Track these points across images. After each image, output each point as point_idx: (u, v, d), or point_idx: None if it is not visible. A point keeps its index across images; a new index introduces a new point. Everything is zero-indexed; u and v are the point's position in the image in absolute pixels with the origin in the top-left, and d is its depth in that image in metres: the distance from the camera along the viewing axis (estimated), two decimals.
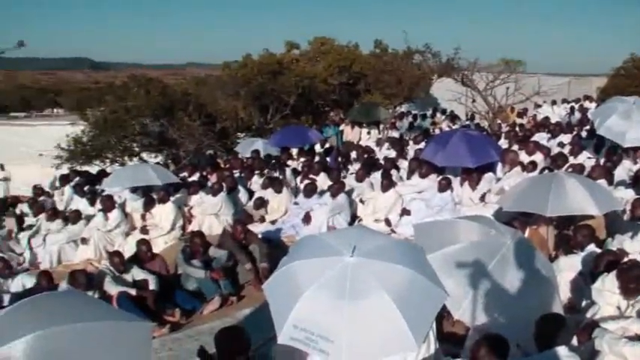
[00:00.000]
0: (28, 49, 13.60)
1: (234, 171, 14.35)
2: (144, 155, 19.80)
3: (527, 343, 5.09)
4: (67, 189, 15.28)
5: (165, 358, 7.00)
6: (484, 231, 6.00)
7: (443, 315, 5.79)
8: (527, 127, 19.43)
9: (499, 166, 11.73)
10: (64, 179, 16.04)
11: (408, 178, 12.17)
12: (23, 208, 15.30)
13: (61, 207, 14.25)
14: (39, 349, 3.64)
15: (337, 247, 4.50)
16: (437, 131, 19.86)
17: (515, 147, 13.28)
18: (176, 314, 8.28)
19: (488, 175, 11.16)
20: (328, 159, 15.31)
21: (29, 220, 13.80)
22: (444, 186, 10.76)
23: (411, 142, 16.77)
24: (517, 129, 17.96)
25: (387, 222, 10.83)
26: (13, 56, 12.00)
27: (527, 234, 7.85)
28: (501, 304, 5.51)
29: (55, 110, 71.16)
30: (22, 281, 9.24)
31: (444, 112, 26.47)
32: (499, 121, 20.89)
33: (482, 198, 10.73)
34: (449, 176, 11.14)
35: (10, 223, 13.57)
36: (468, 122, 22.91)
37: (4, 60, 11.96)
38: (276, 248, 9.81)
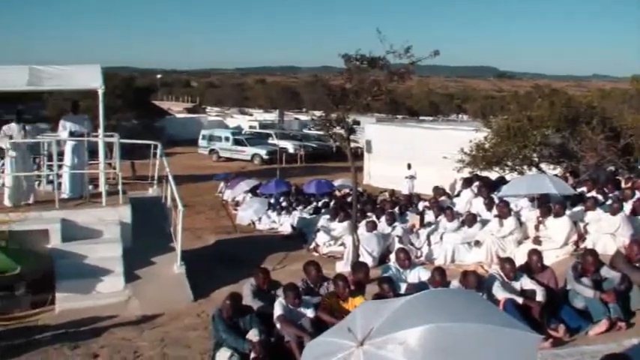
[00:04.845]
0: (440, 58, 14.63)
1: (637, 191, 13.52)
2: (542, 166, 19.70)
3: None
4: (467, 192, 16.01)
5: None
6: None
7: None
8: None
9: None
10: (466, 183, 16.81)
11: None
12: (425, 206, 16.53)
13: (459, 209, 15.01)
14: (431, 341, 3.82)
15: None
16: None
17: None
18: (560, 330, 8.14)
19: None
20: None
21: (429, 218, 14.84)
22: None
23: None
24: None
25: None
26: (428, 64, 12.90)
27: None
28: None
29: (459, 116, 74.91)
30: (419, 274, 9.85)
31: None
32: None
33: None
34: None
35: (414, 218, 14.78)
36: None
37: (419, 67, 13.09)
38: None
